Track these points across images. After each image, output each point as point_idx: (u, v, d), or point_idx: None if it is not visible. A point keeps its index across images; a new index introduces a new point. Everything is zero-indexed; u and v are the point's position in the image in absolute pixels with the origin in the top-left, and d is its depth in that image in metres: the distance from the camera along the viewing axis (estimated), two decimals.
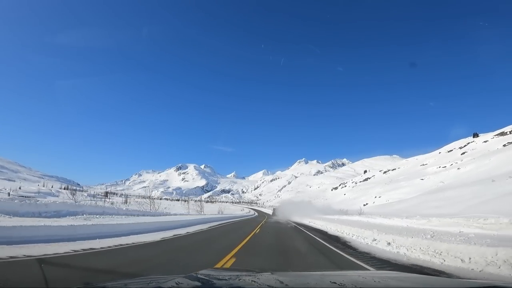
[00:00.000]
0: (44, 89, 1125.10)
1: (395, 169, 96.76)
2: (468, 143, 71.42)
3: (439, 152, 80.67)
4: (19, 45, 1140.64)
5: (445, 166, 54.92)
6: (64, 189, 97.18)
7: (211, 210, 43.06)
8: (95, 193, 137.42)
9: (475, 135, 74.65)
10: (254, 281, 1.92)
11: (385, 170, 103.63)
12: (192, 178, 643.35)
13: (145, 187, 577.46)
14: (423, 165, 75.10)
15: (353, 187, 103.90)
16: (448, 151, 75.63)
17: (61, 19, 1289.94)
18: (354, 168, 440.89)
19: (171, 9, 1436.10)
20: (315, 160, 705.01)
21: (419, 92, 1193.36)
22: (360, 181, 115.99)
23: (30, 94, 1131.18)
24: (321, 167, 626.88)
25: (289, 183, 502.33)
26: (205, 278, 1.94)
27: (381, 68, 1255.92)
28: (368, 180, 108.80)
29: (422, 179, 49.63)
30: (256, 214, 56.24)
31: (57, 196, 54.53)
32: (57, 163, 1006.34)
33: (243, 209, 75.24)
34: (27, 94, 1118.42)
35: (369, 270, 5.12)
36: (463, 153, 65.46)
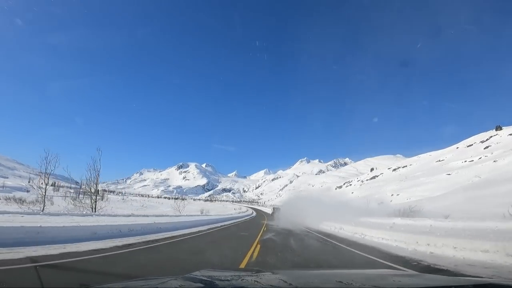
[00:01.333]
0: (48, 87, 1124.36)
1: (406, 166, 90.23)
2: (491, 136, 64.85)
3: (457, 147, 74.17)
4: (26, 38, 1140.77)
5: (472, 160, 48.40)
6: (51, 185, 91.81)
7: (189, 210, 31.36)
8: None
9: (498, 128, 67.94)
10: (257, 281, 1.86)
11: (394, 168, 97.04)
12: (193, 177, 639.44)
13: (145, 185, 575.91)
14: (439, 161, 68.62)
15: (360, 185, 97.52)
16: (468, 146, 69.14)
17: (61, 18, 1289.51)
18: (357, 167, 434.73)
19: (174, 2, 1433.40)
20: (317, 160, 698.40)
21: (421, 91, 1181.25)
22: (367, 179, 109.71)
23: (35, 92, 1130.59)
24: (323, 166, 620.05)
25: (291, 182, 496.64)
26: (207, 279, 1.87)
27: (377, 66, 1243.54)
28: (376, 178, 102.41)
29: (449, 174, 43.10)
30: (254, 214, 43.87)
31: (28, 192, 48.57)
32: (62, 162, 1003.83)
33: (240, 208, 68.52)
34: (31, 92, 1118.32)
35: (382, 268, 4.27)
36: (487, 147, 58.95)
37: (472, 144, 68.31)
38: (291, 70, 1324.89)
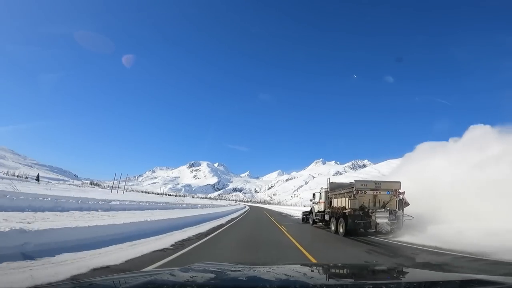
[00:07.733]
0: (56, 86, 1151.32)
1: None
2: None
3: None
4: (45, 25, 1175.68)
5: None
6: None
7: None
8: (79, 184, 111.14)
9: None
10: (270, 271, 1.88)
11: None
12: (204, 175, 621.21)
13: (154, 183, 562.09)
14: None
15: None
16: None
17: (70, 9, 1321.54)
18: (378, 169, 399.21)
19: None
20: (333, 161, 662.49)
21: (427, 90, 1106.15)
22: None
23: (44, 90, 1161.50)
24: (340, 168, 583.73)
25: (306, 183, 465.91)
26: (218, 270, 1.83)
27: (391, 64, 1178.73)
28: None
29: None
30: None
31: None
32: (75, 158, 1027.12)
33: (239, 205, 41.22)
34: (41, 90, 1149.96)
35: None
36: None
37: None
38: (305, 69, 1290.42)
